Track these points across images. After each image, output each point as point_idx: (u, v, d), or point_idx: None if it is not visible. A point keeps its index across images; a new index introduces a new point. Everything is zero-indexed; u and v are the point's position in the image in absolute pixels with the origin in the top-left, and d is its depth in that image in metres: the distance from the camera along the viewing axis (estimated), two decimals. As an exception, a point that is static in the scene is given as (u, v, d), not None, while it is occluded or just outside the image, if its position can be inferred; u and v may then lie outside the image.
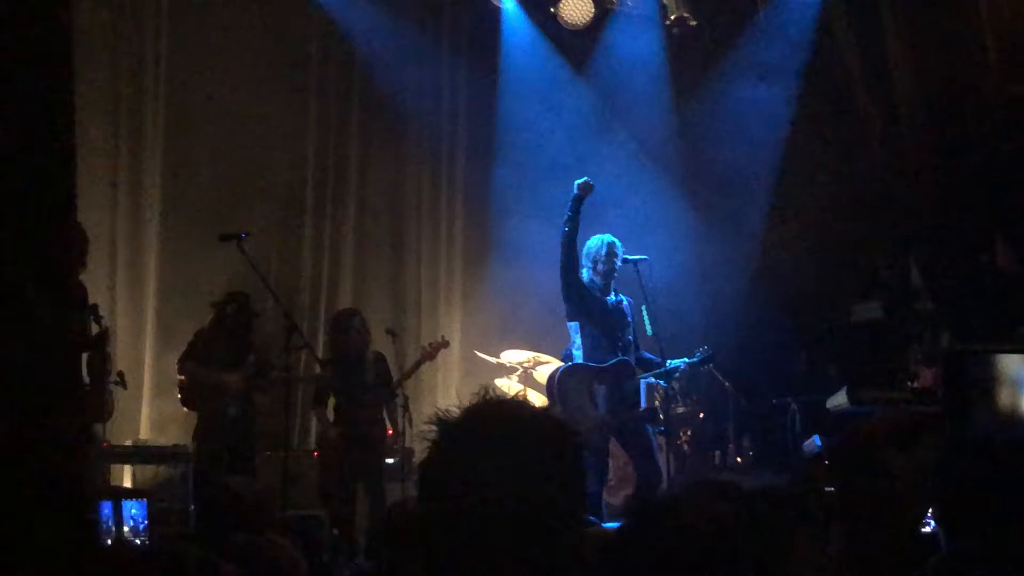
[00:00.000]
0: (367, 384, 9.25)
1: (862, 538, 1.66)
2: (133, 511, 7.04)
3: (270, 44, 11.45)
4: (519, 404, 2.01)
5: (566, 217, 8.31)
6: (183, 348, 9.45)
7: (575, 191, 8.30)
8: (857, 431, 1.71)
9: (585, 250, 8.47)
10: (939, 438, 1.67)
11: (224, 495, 4.08)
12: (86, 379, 7.68)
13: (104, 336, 7.83)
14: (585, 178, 8.33)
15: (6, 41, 4.28)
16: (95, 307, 8.30)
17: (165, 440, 10.26)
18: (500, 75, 12.27)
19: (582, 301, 8.41)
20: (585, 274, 8.45)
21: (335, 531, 9.37)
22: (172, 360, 9.81)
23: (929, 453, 1.66)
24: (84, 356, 7.71)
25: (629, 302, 8.55)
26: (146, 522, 7.01)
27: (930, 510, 1.90)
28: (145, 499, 7.21)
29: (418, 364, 9.43)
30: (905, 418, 1.73)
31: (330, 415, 9.31)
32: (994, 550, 1.67)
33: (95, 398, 7.66)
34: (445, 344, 9.64)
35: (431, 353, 9.47)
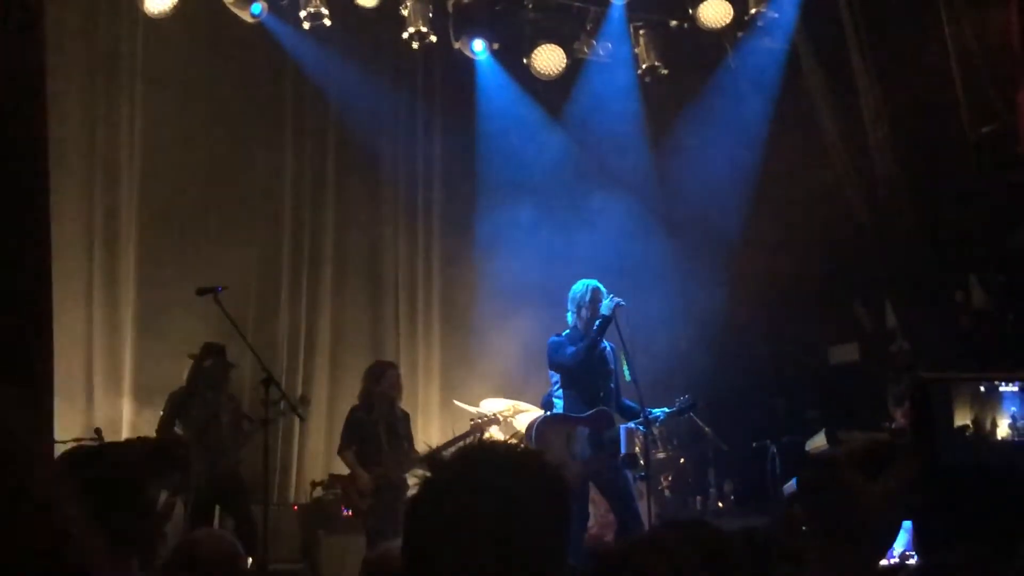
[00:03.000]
0: (397, 434, 9.32)
1: (834, 566, 1.66)
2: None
3: (245, 98, 11.52)
4: (510, 448, 2.03)
5: (587, 343, 8.28)
6: (159, 404, 9.48)
7: (607, 312, 8.25)
8: (826, 461, 1.73)
9: (570, 295, 8.49)
10: (907, 467, 1.68)
11: (192, 547, 4.04)
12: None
13: None
14: (621, 300, 8.29)
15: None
16: None
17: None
18: (477, 125, 12.35)
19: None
20: (569, 319, 8.47)
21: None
22: (150, 415, 9.80)
23: (896, 482, 1.67)
24: None
25: (612, 349, 8.53)
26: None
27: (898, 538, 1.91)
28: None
29: (464, 436, 9.44)
30: (873, 447, 1.74)
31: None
32: (964, 564, 1.70)
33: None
34: (496, 421, 9.65)
35: (480, 427, 9.49)
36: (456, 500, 1.90)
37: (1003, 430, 1.72)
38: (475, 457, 1.98)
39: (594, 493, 8.67)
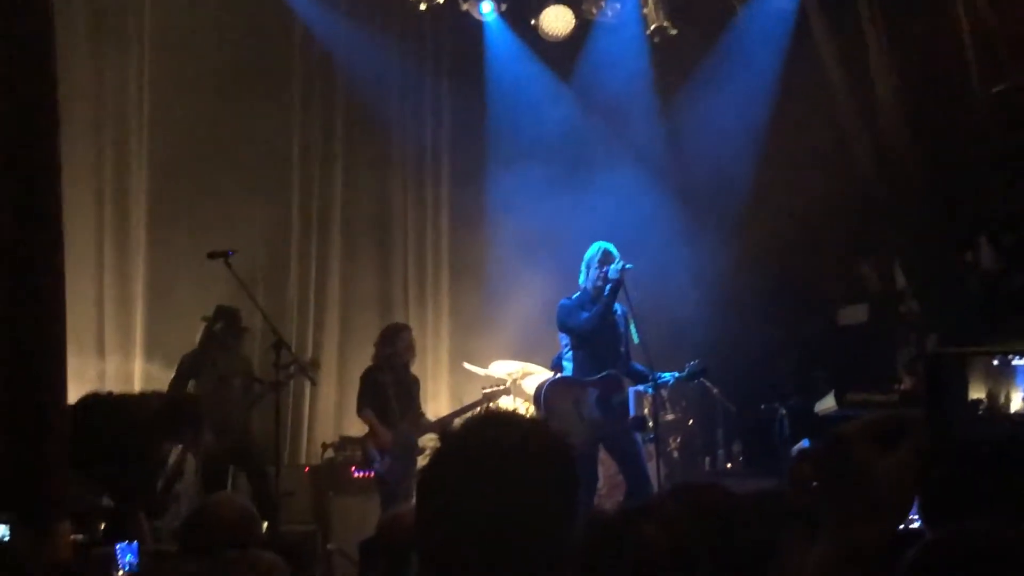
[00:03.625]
0: (409, 397, 9.37)
1: (845, 539, 1.68)
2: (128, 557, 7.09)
3: (253, 61, 11.48)
4: (515, 416, 2.07)
5: (599, 309, 8.27)
6: (171, 366, 9.53)
7: (615, 276, 8.23)
8: (837, 433, 1.74)
9: (585, 256, 8.49)
10: (920, 439, 1.69)
11: (209, 511, 4.09)
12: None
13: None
14: (628, 264, 8.27)
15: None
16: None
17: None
18: (485, 87, 12.32)
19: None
20: (581, 280, 8.47)
21: (328, 546, 9.40)
22: (162, 377, 9.86)
23: (910, 455, 1.69)
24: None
25: (624, 312, 8.53)
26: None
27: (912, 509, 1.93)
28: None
29: (473, 406, 9.44)
30: (886, 420, 1.76)
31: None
32: (972, 540, 1.71)
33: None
34: (507, 391, 9.66)
35: (491, 397, 9.50)
36: (464, 470, 1.93)
37: (1016, 403, 1.73)
38: (482, 427, 2.01)
39: (603, 455, 8.70)
